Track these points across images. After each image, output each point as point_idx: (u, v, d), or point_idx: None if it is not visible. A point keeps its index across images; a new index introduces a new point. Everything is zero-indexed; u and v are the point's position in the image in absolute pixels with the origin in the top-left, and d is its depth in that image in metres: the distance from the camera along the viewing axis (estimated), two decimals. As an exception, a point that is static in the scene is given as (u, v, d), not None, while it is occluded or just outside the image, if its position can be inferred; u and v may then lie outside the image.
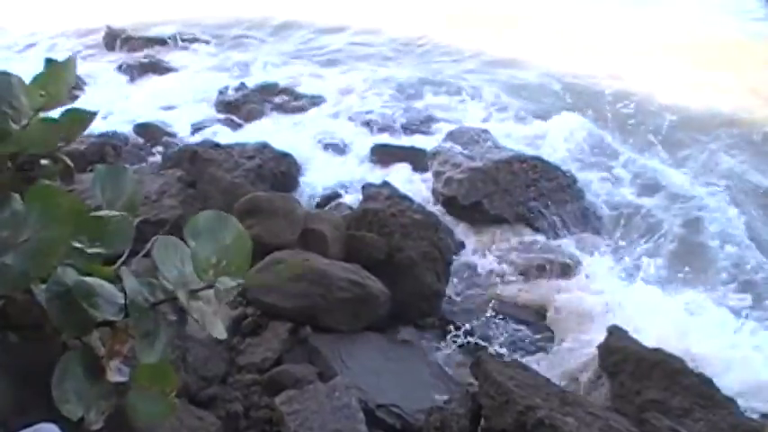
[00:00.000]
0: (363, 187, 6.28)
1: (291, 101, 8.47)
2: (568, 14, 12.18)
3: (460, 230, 6.14)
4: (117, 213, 1.63)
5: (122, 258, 1.61)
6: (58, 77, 1.68)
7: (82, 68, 9.23)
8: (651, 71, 9.84)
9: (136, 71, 9.50)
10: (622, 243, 6.25)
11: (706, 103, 8.85)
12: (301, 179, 6.75)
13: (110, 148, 6.76)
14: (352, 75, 9.94)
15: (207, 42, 11.00)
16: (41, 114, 1.70)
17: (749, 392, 4.45)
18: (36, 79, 1.74)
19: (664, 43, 10.84)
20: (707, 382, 4.19)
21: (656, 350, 4.41)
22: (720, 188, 7.15)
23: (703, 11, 12.27)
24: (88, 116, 1.85)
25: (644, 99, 8.96)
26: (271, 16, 12.10)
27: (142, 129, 7.54)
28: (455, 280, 5.43)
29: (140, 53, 10.25)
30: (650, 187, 7.18)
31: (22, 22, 11.77)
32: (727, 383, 4.32)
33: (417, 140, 7.71)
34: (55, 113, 1.76)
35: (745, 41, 10.93)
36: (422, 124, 8.10)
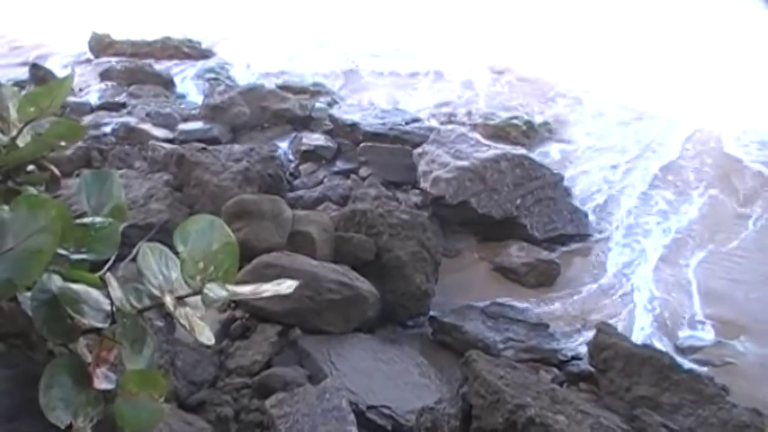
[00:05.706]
0: (351, 188, 6.28)
1: (278, 102, 8.41)
2: (567, 19, 12.19)
3: (449, 230, 6.15)
4: (103, 220, 1.62)
5: (108, 264, 1.60)
6: (53, 93, 1.67)
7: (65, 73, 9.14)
8: (650, 73, 9.88)
9: (121, 76, 9.39)
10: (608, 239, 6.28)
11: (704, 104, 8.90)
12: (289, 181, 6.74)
13: (96, 153, 6.71)
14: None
15: (195, 47, 10.89)
16: (30, 126, 1.69)
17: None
18: (30, 93, 1.73)
19: (664, 45, 10.89)
20: (696, 378, 4.21)
21: (646, 346, 4.44)
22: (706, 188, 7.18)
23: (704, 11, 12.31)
24: (78, 128, 1.85)
25: (643, 101, 9.00)
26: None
27: (129, 132, 7.49)
28: (444, 279, 5.43)
29: (126, 58, 10.15)
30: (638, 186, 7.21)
31: (8, 29, 11.66)
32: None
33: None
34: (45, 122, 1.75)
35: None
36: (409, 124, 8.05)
